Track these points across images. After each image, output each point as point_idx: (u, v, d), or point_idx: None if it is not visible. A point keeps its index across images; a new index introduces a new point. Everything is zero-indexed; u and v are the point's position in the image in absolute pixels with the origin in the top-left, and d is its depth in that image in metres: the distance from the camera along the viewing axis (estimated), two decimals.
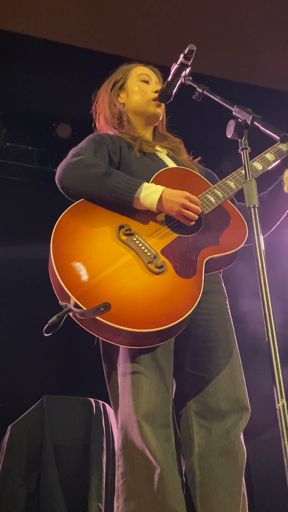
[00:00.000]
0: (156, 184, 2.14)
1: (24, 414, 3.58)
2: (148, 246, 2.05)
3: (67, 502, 3.17)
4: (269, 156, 2.32)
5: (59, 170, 2.19)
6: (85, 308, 1.88)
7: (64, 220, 2.07)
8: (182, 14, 5.12)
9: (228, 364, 2.14)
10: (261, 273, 1.66)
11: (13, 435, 3.49)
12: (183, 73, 2.18)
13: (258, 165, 2.28)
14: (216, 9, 5.09)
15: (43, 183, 6.09)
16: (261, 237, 1.72)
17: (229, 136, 1.90)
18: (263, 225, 2.29)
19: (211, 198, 2.19)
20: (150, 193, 2.09)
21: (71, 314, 1.94)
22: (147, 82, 2.50)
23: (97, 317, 1.87)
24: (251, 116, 1.86)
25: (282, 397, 1.52)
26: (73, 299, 1.91)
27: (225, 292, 2.31)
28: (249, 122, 1.86)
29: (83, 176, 2.13)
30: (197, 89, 2.14)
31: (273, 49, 5.16)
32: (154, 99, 2.43)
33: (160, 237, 2.10)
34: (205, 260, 2.07)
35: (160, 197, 2.09)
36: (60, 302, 1.97)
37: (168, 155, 2.47)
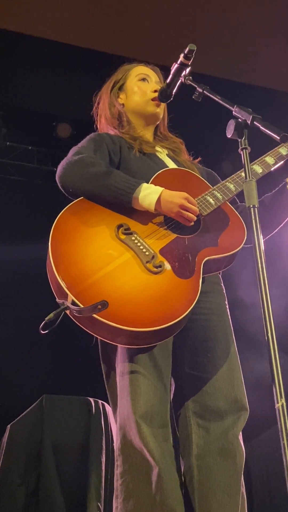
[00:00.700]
0: (156, 185, 2.14)
1: (24, 413, 3.58)
2: (146, 246, 2.05)
3: (66, 502, 3.17)
4: (269, 159, 2.32)
5: (59, 168, 2.20)
6: (82, 306, 1.88)
7: (63, 218, 2.07)
8: (182, 13, 5.12)
9: (226, 364, 2.14)
10: (260, 273, 1.66)
11: (13, 435, 3.49)
12: (183, 73, 2.18)
13: (258, 168, 2.28)
14: (216, 9, 5.09)
15: (43, 182, 6.09)
16: (261, 237, 1.72)
17: (229, 136, 1.90)
18: (266, 227, 2.29)
19: (210, 200, 2.19)
20: (149, 194, 2.09)
21: (68, 312, 1.94)
22: (146, 81, 2.49)
23: (95, 315, 1.87)
24: (251, 116, 1.86)
25: (281, 397, 1.52)
26: (71, 297, 1.90)
27: (224, 292, 2.31)
28: (249, 122, 1.87)
29: (83, 175, 2.13)
30: (197, 88, 2.14)
31: (273, 49, 5.16)
32: (153, 99, 2.43)
33: (159, 237, 2.10)
34: (203, 261, 2.07)
35: (159, 198, 2.09)
36: (57, 300, 1.97)
37: (168, 155, 2.46)
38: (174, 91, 2.27)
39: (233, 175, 2.27)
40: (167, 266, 2.03)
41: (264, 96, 5.49)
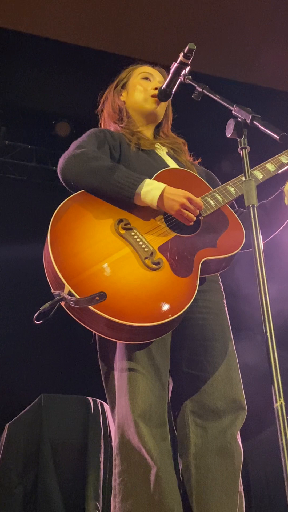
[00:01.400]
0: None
1: (22, 412, 3.58)
2: (146, 242, 2.05)
3: (65, 501, 3.17)
4: (270, 166, 2.31)
5: (61, 161, 2.19)
6: (78, 297, 1.87)
7: (64, 208, 2.07)
8: (182, 13, 5.12)
9: (224, 363, 2.14)
10: (260, 273, 1.66)
11: (11, 434, 3.50)
12: (183, 72, 2.18)
13: (258, 174, 2.28)
14: (216, 9, 5.09)
15: (42, 181, 6.09)
16: (260, 237, 1.72)
17: (229, 135, 1.90)
18: (265, 227, 2.29)
19: (211, 201, 2.19)
20: (151, 190, 2.09)
21: (63, 303, 1.93)
22: (149, 80, 2.49)
23: (91, 307, 1.86)
24: (250, 116, 1.86)
25: (280, 396, 1.52)
26: (68, 288, 1.89)
27: (223, 290, 2.31)
28: (248, 122, 1.86)
29: (85, 168, 2.13)
30: (197, 88, 2.14)
31: (273, 49, 5.16)
32: (152, 95, 2.43)
33: (158, 234, 2.10)
34: (201, 261, 2.07)
35: (161, 194, 2.09)
36: (52, 291, 1.96)
37: (168, 153, 2.46)
38: (174, 90, 2.27)
39: (233, 179, 2.27)
40: (166, 263, 2.03)
41: (264, 96, 5.49)
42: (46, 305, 1.91)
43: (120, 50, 5.16)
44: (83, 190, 2.13)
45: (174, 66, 2.20)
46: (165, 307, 1.94)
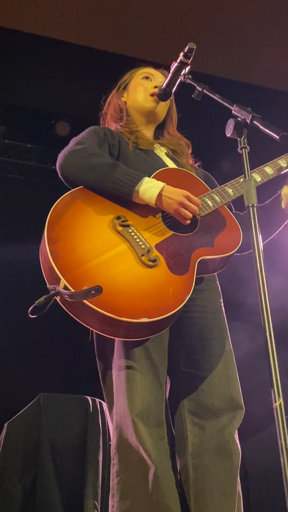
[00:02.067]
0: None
1: (21, 411, 3.58)
2: (142, 239, 2.06)
3: (63, 500, 3.17)
4: (268, 169, 2.32)
5: (60, 156, 2.19)
6: (74, 291, 1.87)
7: (61, 204, 2.07)
8: (182, 13, 5.12)
9: (222, 362, 2.14)
10: (259, 273, 1.66)
11: (10, 433, 3.50)
12: (183, 72, 2.18)
13: (256, 176, 2.28)
14: (216, 9, 5.09)
15: (42, 180, 6.09)
16: (260, 236, 1.72)
17: (228, 135, 1.90)
18: (264, 228, 2.29)
19: (209, 202, 2.20)
20: (150, 188, 2.10)
21: (58, 298, 1.93)
22: (149, 80, 2.50)
23: (87, 303, 1.86)
24: (250, 115, 1.86)
25: (279, 396, 1.52)
26: (63, 282, 1.89)
27: (220, 290, 2.31)
28: (248, 121, 1.87)
29: (85, 164, 2.13)
30: (197, 87, 2.15)
31: (273, 49, 5.17)
32: (152, 94, 2.44)
33: (155, 232, 2.10)
34: (197, 260, 2.08)
35: (160, 193, 2.09)
36: (48, 285, 1.96)
37: (167, 154, 2.47)
38: (174, 89, 2.27)
39: (232, 180, 2.27)
40: (162, 261, 2.03)
41: (264, 96, 5.49)
42: (41, 299, 1.91)
43: (120, 50, 5.16)
44: (81, 186, 2.13)
45: (174, 65, 2.20)
46: (161, 304, 1.95)
